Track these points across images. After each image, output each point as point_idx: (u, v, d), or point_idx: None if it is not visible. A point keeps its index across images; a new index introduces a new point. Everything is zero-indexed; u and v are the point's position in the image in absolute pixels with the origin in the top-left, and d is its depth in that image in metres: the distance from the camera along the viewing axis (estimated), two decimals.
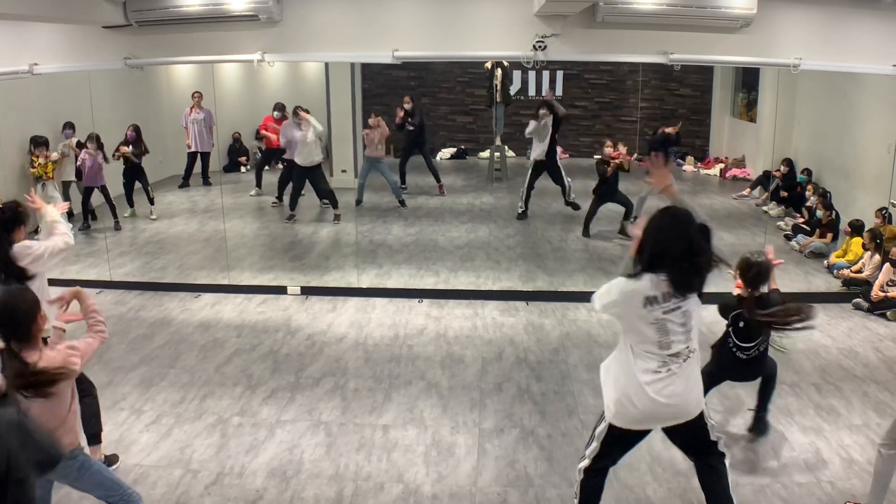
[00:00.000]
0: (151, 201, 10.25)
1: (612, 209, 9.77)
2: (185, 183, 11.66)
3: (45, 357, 3.04)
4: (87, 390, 4.34)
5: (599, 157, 9.62)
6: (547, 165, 10.23)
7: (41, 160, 8.97)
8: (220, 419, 5.10)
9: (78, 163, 9.42)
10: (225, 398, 5.42)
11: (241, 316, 7.09)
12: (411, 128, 11.61)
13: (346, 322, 6.91)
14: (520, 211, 10.38)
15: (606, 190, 9.43)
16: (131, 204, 10.23)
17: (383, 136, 10.74)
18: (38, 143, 9.02)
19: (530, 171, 10.24)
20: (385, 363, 6.02)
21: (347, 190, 11.07)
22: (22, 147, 9.16)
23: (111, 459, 4.47)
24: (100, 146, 9.28)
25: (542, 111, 10.04)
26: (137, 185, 10.11)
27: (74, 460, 3.24)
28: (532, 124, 10.13)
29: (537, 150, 10.19)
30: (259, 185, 11.60)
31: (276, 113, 11.28)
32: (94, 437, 4.41)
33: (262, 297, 7.57)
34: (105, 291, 7.66)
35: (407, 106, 11.72)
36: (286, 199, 10.47)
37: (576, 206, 10.37)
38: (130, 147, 9.78)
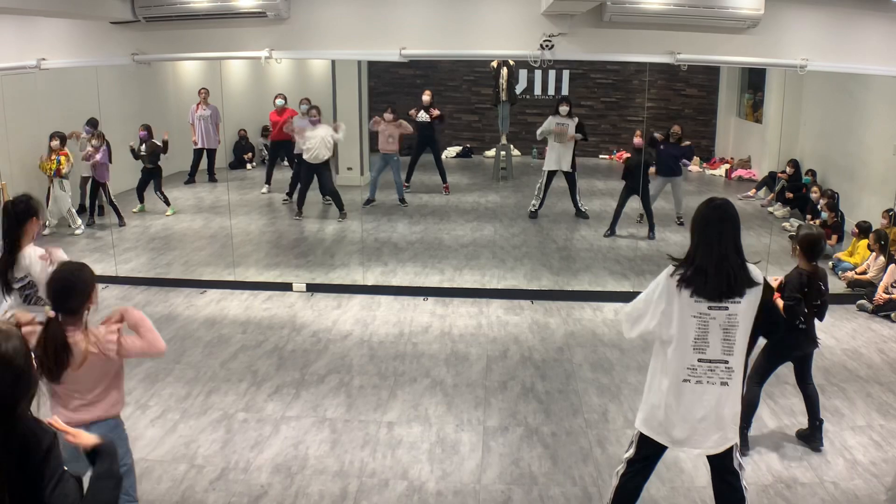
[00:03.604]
0: (166, 201, 10.28)
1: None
2: (190, 179, 11.69)
3: (91, 334, 3.13)
4: None
5: (629, 154, 9.59)
6: (565, 173, 10.26)
7: (54, 156, 9.00)
8: (225, 415, 5.13)
9: (91, 160, 9.47)
10: (230, 394, 5.44)
11: (247, 312, 7.11)
12: (427, 120, 11.53)
13: (352, 319, 6.93)
14: (532, 209, 10.41)
15: (634, 184, 9.46)
16: (141, 199, 10.27)
17: (403, 132, 10.71)
18: (52, 137, 9.06)
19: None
20: (390, 360, 6.04)
21: (353, 188, 11.09)
22: (29, 143, 9.18)
23: None
24: (105, 142, 9.32)
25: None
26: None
27: (120, 423, 3.33)
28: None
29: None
30: (269, 181, 11.61)
31: (278, 101, 11.21)
32: None
33: (268, 293, 7.59)
34: (111, 286, 7.69)
35: (426, 98, 11.64)
36: (297, 195, 10.48)
37: (585, 215, 10.43)
38: (143, 146, 9.82)
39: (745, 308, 3.20)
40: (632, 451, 3.55)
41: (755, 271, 3.23)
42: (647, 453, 3.50)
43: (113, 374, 3.26)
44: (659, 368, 3.37)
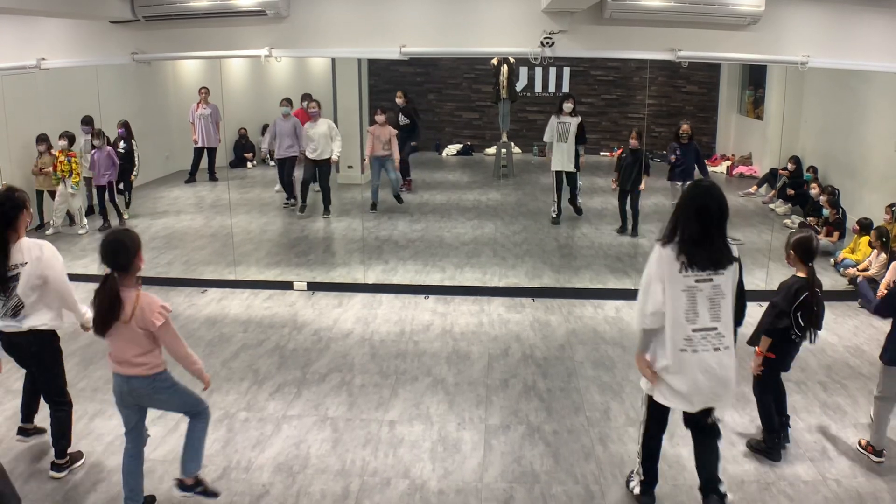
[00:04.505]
0: (127, 203, 10.22)
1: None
2: (191, 178, 11.69)
3: (143, 296, 3.61)
4: (64, 403, 4.41)
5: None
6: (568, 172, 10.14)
7: (48, 158, 9.00)
8: (226, 414, 5.12)
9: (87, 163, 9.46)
10: (231, 393, 5.44)
11: (248, 311, 7.11)
12: (405, 122, 11.47)
13: (353, 318, 6.93)
14: (553, 215, 10.18)
15: (625, 184, 9.46)
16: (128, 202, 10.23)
17: (391, 134, 10.62)
18: (40, 139, 9.05)
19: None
20: (391, 359, 6.04)
21: (353, 186, 11.08)
22: (29, 143, 9.18)
23: (75, 457, 4.46)
24: (110, 143, 9.32)
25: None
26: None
27: (160, 380, 3.77)
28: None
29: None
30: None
31: (304, 103, 11.08)
32: (62, 452, 4.37)
33: (269, 292, 7.59)
34: None
35: (399, 101, 11.56)
36: (298, 190, 10.44)
37: (580, 211, 10.43)
38: (122, 143, 9.78)
39: (727, 280, 3.52)
40: (644, 413, 3.87)
41: (734, 248, 3.56)
42: (660, 414, 3.83)
43: (148, 342, 3.66)
44: (657, 345, 3.63)
